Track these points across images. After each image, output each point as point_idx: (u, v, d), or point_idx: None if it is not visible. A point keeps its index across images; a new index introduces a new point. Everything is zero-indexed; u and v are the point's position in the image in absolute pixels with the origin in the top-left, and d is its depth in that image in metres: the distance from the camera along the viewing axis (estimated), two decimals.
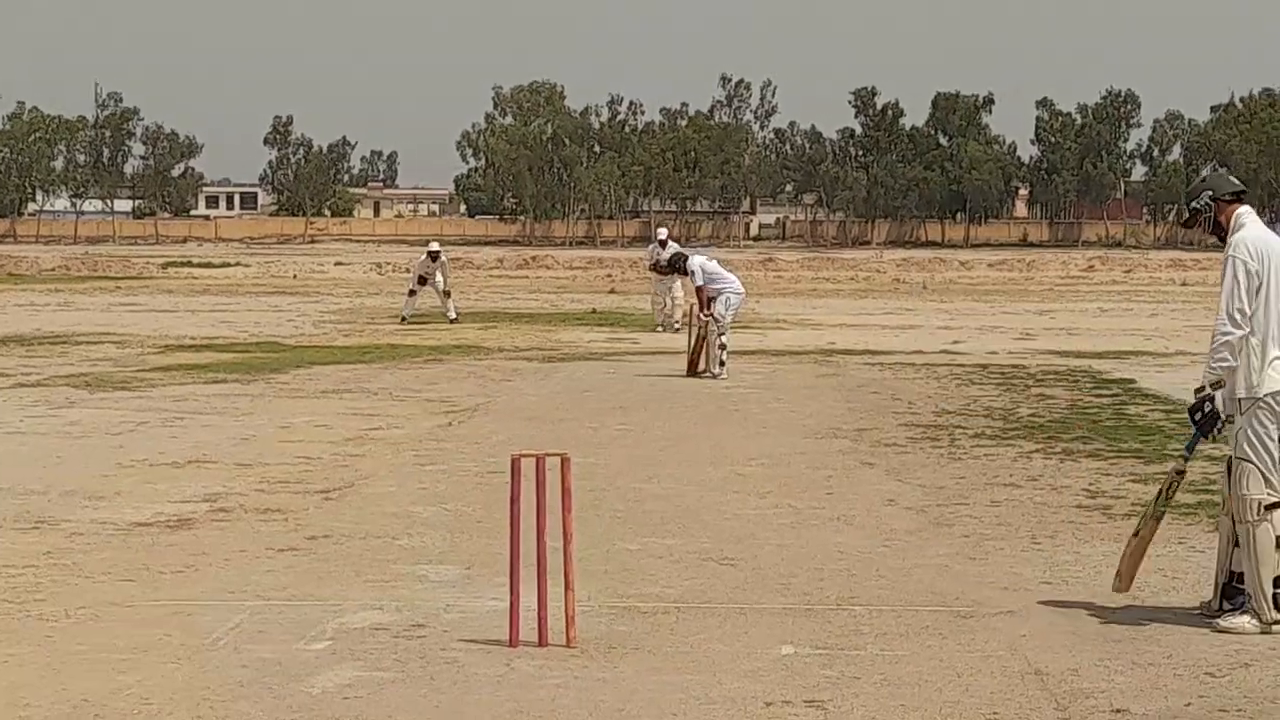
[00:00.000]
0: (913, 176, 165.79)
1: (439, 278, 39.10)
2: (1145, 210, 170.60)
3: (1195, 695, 7.65)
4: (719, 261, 26.85)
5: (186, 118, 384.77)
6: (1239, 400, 9.04)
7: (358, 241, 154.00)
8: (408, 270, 50.67)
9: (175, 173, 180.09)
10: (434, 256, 39.31)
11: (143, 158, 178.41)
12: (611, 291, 58.61)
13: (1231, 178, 9.60)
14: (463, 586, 9.90)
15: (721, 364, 24.18)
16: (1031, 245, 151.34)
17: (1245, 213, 9.33)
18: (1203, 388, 9.13)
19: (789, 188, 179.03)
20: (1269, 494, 8.94)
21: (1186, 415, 9.27)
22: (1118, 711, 7.40)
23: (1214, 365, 9.07)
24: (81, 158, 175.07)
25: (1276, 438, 9.01)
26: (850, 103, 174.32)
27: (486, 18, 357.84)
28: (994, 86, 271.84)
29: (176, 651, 8.32)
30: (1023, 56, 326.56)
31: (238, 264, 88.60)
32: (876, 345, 31.20)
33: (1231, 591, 9.13)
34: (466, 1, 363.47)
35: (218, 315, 41.39)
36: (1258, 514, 8.90)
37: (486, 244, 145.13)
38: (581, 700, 7.53)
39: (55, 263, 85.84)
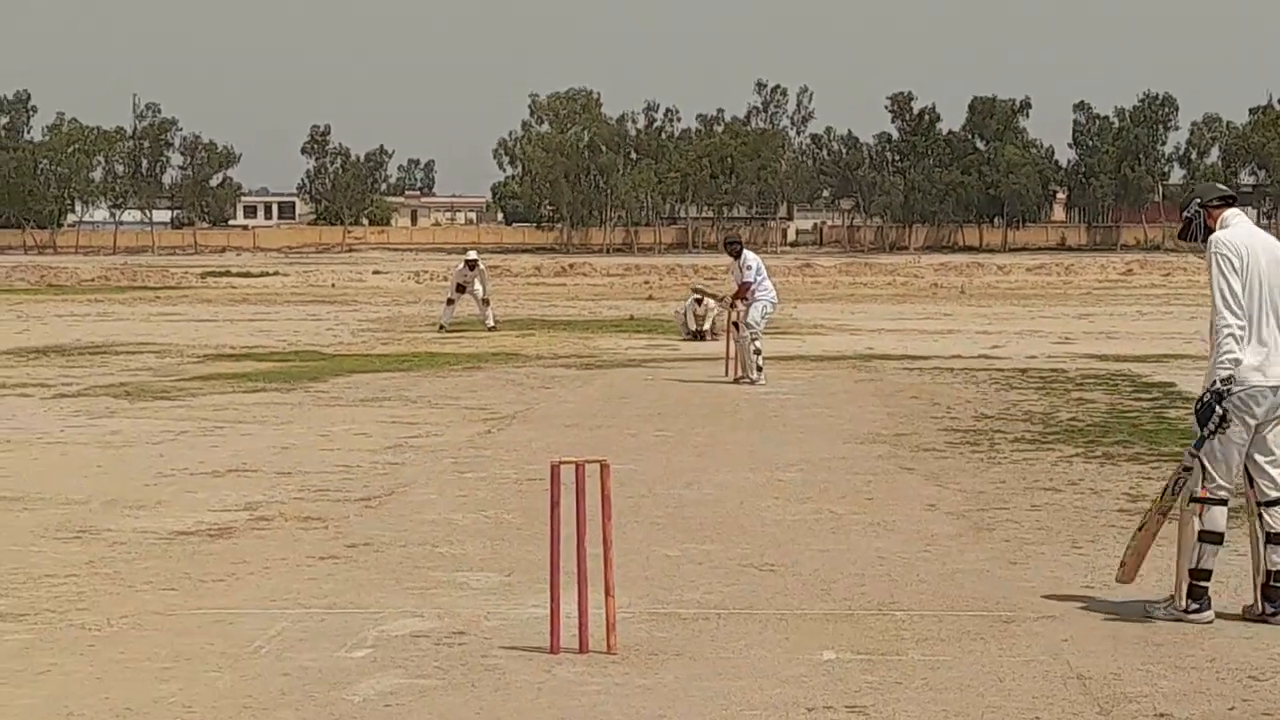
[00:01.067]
0: (950, 181, 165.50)
1: (477, 286, 39.11)
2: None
3: (1239, 699, 7.62)
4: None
5: (224, 127, 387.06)
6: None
7: (395, 250, 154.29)
8: (445, 278, 50.76)
9: (213, 182, 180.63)
10: (471, 265, 39.35)
11: (181, 168, 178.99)
12: (649, 298, 58.62)
13: (1220, 185, 9.74)
14: (503, 593, 9.90)
15: (759, 369, 24.16)
16: (1069, 249, 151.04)
17: (1232, 214, 9.47)
18: (1214, 383, 9.13)
19: (826, 193, 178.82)
20: (1204, 488, 9.13)
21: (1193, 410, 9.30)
22: (1161, 716, 7.37)
23: (1222, 359, 9.09)
24: (120, 168, 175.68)
25: (1240, 437, 9.12)
26: (887, 108, 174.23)
27: (523, 26, 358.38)
28: (1031, 90, 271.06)
29: (218, 660, 8.34)
30: (1060, 60, 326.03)
31: (276, 273, 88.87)
32: (915, 350, 31.16)
33: (1272, 593, 9.16)
34: (503, 10, 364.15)
35: (256, 324, 41.51)
36: (1185, 504, 9.21)
37: (524, 251, 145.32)
38: (623, 707, 7.53)
39: (94, 273, 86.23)
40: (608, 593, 8.49)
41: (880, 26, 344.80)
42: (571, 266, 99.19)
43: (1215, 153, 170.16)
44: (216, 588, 10.11)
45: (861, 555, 11.03)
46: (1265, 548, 9.21)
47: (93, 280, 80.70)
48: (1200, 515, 9.17)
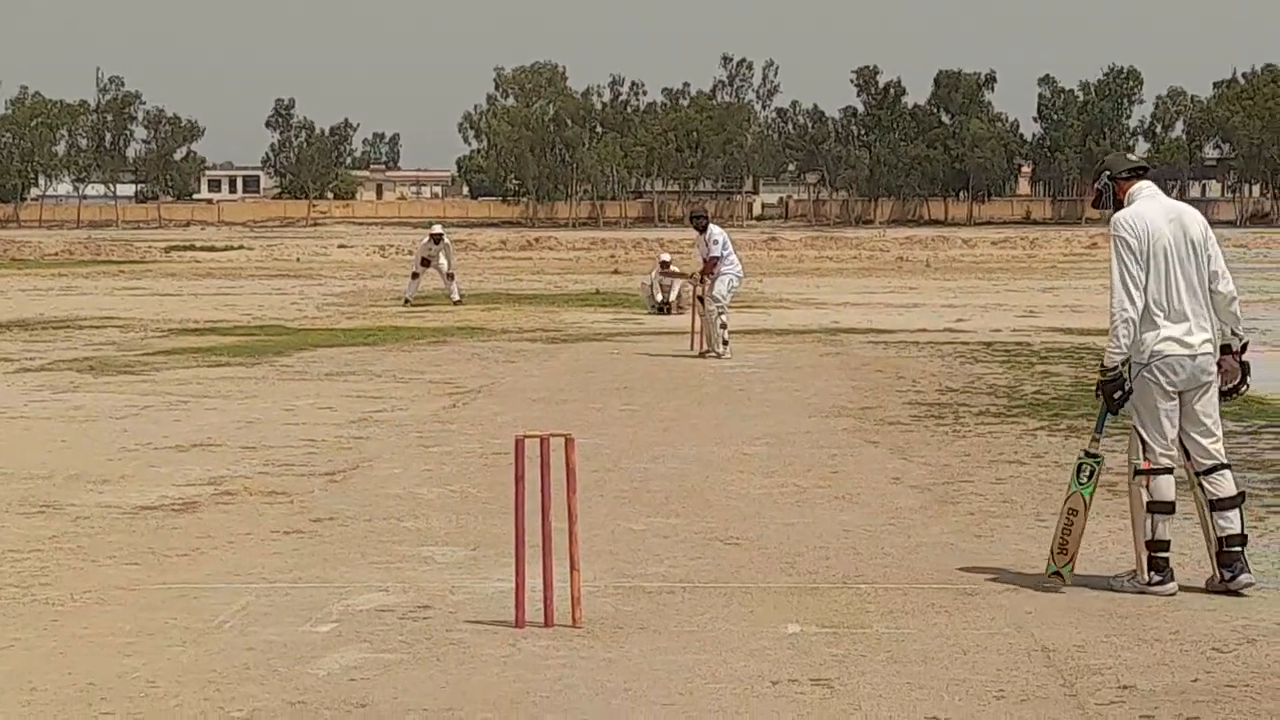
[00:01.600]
0: (915, 155, 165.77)
1: (442, 260, 39.07)
2: None
3: (1202, 671, 7.65)
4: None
5: (188, 101, 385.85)
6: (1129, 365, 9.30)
7: (360, 224, 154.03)
8: (410, 253, 50.70)
9: (178, 156, 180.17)
10: (436, 239, 39.29)
11: (145, 141, 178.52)
12: (615, 272, 58.60)
13: (1130, 155, 9.70)
14: (468, 568, 9.89)
15: (725, 343, 24.17)
16: (1034, 223, 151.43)
17: (1142, 188, 9.47)
18: (1115, 367, 9.27)
19: (792, 167, 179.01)
20: (1145, 460, 9.28)
21: (1095, 392, 9.45)
22: (1124, 688, 7.39)
23: (1119, 344, 9.20)
24: (84, 142, 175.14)
25: (1165, 404, 9.24)
26: (852, 81, 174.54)
27: None
28: (996, 64, 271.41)
29: (182, 634, 8.31)
30: (1025, 34, 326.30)
31: (241, 247, 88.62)
32: (880, 324, 31.20)
33: (1227, 558, 9.20)
34: None
35: (221, 299, 41.40)
36: (1132, 478, 9.35)
37: (489, 225, 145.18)
38: (588, 680, 7.53)
39: (58, 247, 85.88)
40: (573, 567, 8.48)
41: (846, 0, 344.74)
42: (537, 240, 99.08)
43: (1180, 126, 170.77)
44: (180, 562, 10.09)
45: (826, 529, 11.04)
46: (1211, 515, 9.29)
47: (56, 254, 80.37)
48: (1147, 487, 9.28)
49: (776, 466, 13.74)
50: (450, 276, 39.09)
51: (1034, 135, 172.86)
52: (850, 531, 10.95)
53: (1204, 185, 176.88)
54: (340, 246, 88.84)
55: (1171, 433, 9.27)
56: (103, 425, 16.50)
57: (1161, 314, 9.18)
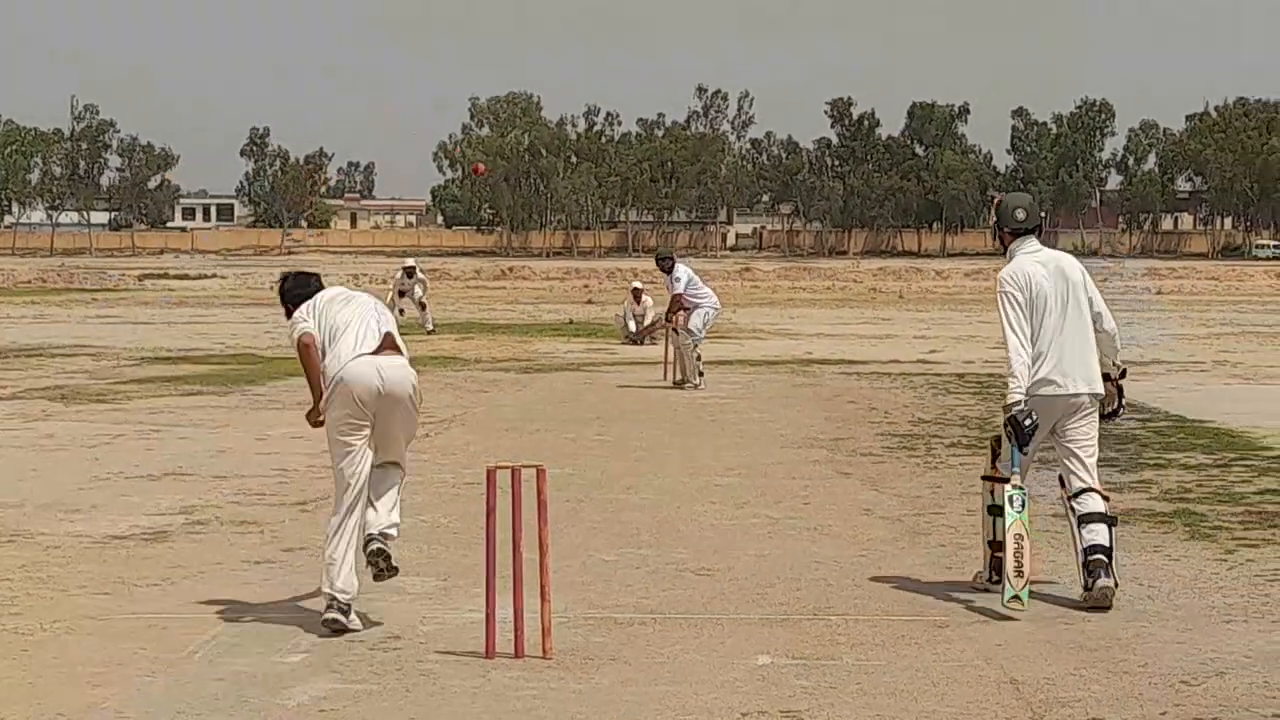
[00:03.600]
0: (889, 186, 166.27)
1: (417, 291, 39.37)
2: (1121, 219, 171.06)
3: (1171, 704, 7.66)
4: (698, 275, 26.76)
5: (163, 130, 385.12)
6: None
7: (335, 253, 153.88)
8: (385, 281, 50.72)
9: (152, 184, 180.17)
10: (409, 273, 39.71)
11: (119, 170, 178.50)
12: (589, 302, 58.64)
13: (1019, 212, 10.21)
14: (439, 598, 9.88)
15: (700, 374, 24.20)
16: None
17: (1018, 245, 10.14)
18: (1016, 402, 9.86)
19: (766, 198, 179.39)
20: (995, 468, 10.16)
21: (1006, 428, 9.94)
22: None
23: (1018, 382, 9.86)
24: (58, 170, 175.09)
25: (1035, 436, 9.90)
26: (826, 113, 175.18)
27: (463, 29, 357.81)
28: (969, 96, 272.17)
29: (152, 665, 8.30)
30: (998, 67, 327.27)
31: (214, 275, 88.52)
32: (853, 355, 31.25)
33: (1092, 565, 9.68)
34: (442, 13, 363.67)
35: (194, 327, 41.36)
36: (981, 484, 10.35)
37: (463, 255, 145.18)
38: (558, 711, 7.53)
39: (31, 275, 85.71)
40: (543, 597, 8.48)
41: (821, 32, 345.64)
42: (511, 270, 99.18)
43: (1152, 159, 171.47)
44: (151, 592, 10.07)
45: (797, 560, 11.05)
46: (1079, 529, 9.84)
47: (29, 282, 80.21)
48: (991, 491, 10.08)
49: (748, 497, 13.75)
50: (423, 306, 39.29)
51: (1007, 167, 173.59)
52: (821, 563, 10.96)
53: (1176, 218, 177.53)
54: None
55: (1024, 459, 9.97)
56: (74, 454, 16.46)
57: (1050, 354, 9.92)
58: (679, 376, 24.51)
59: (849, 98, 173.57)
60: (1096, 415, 10.10)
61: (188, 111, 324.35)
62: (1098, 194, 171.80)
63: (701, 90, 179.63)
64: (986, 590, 9.86)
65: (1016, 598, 9.46)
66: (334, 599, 8.97)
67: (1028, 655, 8.52)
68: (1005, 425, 9.89)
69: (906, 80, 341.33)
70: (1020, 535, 9.68)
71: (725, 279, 72.82)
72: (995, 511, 9.99)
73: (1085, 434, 10.01)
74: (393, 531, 9.33)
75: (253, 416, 20.03)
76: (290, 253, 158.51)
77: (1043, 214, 10.47)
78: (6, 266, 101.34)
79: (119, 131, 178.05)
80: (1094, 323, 10.12)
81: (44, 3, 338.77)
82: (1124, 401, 10.55)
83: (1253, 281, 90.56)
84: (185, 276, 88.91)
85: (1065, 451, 10.01)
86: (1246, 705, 7.65)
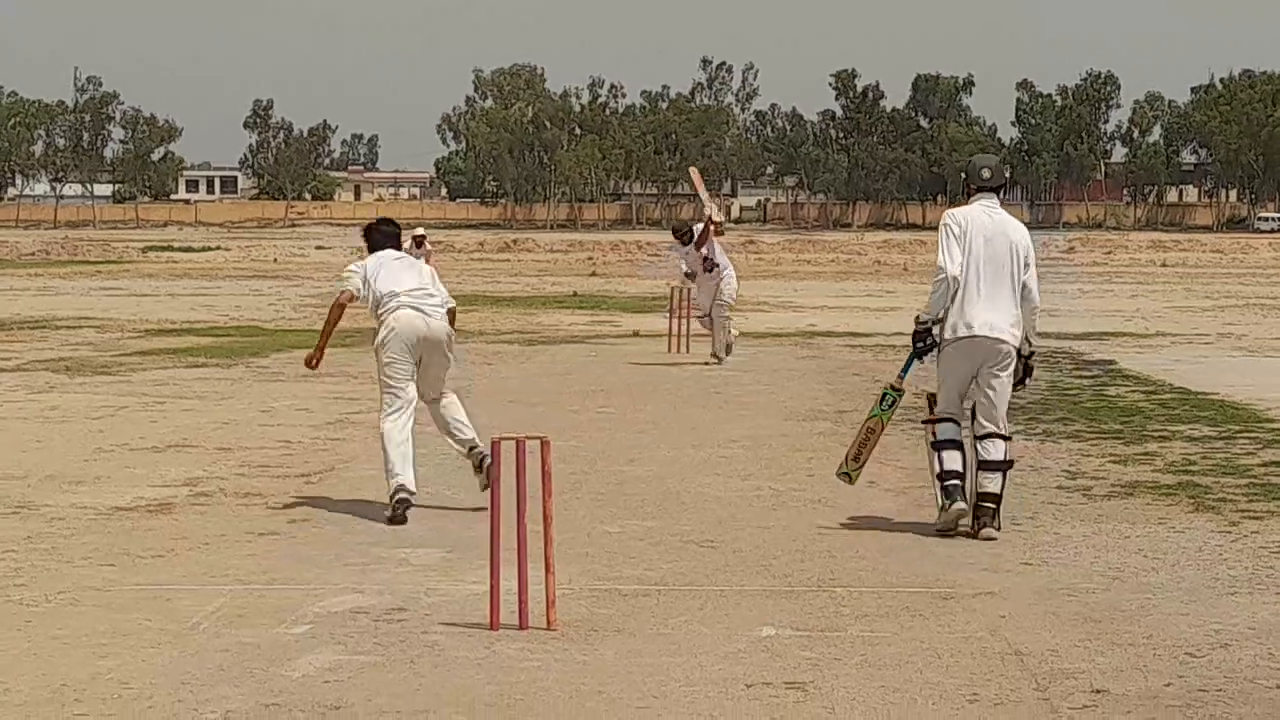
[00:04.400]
0: (893, 158, 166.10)
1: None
2: (1126, 191, 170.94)
3: (1175, 675, 7.66)
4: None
5: (166, 102, 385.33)
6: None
7: (338, 225, 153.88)
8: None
9: (155, 157, 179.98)
10: (419, 242, 38.79)
11: (122, 142, 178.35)
12: (593, 274, 58.61)
13: (984, 170, 11.24)
14: (443, 570, 9.89)
15: (729, 349, 23.71)
16: None
17: (978, 198, 11.10)
18: (925, 322, 11.07)
19: (770, 170, 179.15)
20: (932, 412, 11.20)
21: (910, 340, 11.28)
22: (1097, 692, 7.41)
23: (934, 303, 10.96)
24: (61, 142, 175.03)
25: (960, 371, 11.01)
26: (831, 85, 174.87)
27: (467, 1, 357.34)
28: (974, 68, 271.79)
29: (156, 636, 8.30)
30: (1003, 38, 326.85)
31: (218, 248, 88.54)
32: (857, 327, 31.24)
33: (980, 511, 10.80)
34: None
35: (198, 299, 41.35)
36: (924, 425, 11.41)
37: (467, 227, 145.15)
38: (562, 682, 7.53)
39: (35, 247, 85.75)
40: (548, 569, 8.48)
41: (825, 3, 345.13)
42: (515, 242, 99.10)
43: (1157, 131, 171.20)
44: (155, 563, 10.08)
45: (801, 532, 11.05)
46: (978, 473, 10.89)
47: (33, 254, 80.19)
48: (934, 430, 11.10)
49: (752, 469, 13.75)
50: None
51: (1012, 139, 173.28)
52: (825, 535, 10.96)
53: (1181, 190, 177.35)
54: (318, 248, 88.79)
55: (957, 394, 11.06)
56: (78, 426, 16.46)
57: (969, 297, 10.84)
58: (715, 349, 23.85)
59: (853, 70, 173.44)
60: (1013, 366, 10.96)
61: (191, 83, 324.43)
62: (1103, 166, 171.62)
63: (706, 62, 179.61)
64: (975, 536, 10.76)
65: (846, 475, 11.43)
66: (402, 488, 11.44)
67: (1032, 627, 8.52)
68: (914, 336, 11.24)
69: (911, 52, 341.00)
70: (873, 430, 11.34)
71: (729, 251, 72.67)
72: (935, 448, 11.04)
73: (1001, 381, 10.92)
74: (478, 443, 11.81)
75: (257, 389, 20.03)
76: (294, 225, 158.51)
77: (1007, 177, 11.54)
78: (10, 239, 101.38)
79: (122, 103, 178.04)
80: (1022, 291, 11.00)
81: None
82: (1028, 378, 11.41)
83: (1257, 254, 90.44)
84: (190, 249, 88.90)
85: (981, 393, 10.97)
86: (1250, 677, 7.65)
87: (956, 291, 10.85)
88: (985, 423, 10.93)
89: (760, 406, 18.35)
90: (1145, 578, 9.66)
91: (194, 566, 9.98)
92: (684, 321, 25.19)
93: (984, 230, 10.90)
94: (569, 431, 15.65)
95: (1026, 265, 11.00)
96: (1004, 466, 10.88)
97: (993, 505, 10.76)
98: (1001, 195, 11.26)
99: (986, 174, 11.21)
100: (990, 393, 10.92)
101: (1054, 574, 9.74)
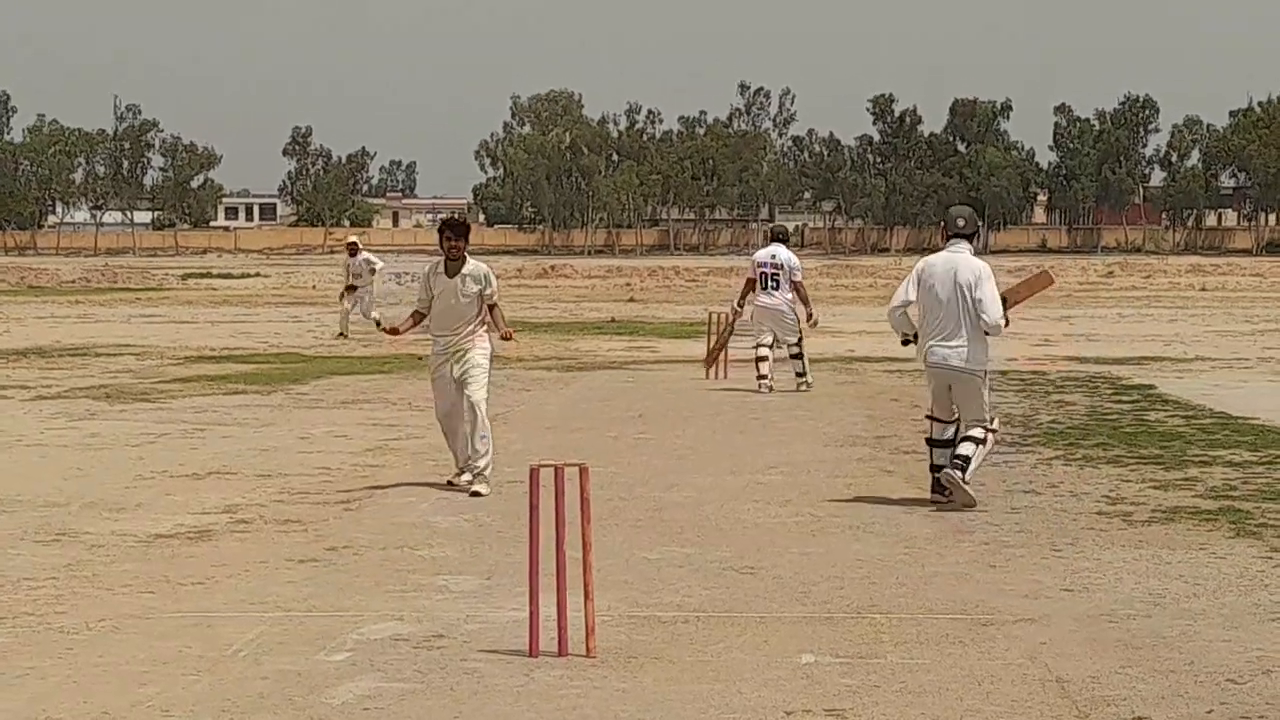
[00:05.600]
0: (931, 183, 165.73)
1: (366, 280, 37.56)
2: (1164, 216, 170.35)
3: (1217, 702, 7.63)
4: None
5: (205, 129, 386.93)
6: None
7: (377, 251, 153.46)
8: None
9: (194, 184, 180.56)
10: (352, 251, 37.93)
11: (162, 169, 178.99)
12: (631, 300, 58.64)
13: (959, 220, 13.47)
14: (482, 597, 9.89)
15: (801, 375, 23.63)
16: (1050, 251, 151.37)
17: (950, 244, 13.35)
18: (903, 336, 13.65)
19: (807, 195, 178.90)
20: (927, 414, 13.66)
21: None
22: (1139, 719, 7.38)
23: (893, 327, 13.76)
24: (101, 170, 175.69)
25: (936, 386, 13.41)
26: (868, 110, 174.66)
27: (505, 27, 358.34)
28: (1011, 93, 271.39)
29: (196, 663, 8.32)
30: (1040, 63, 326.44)
31: (257, 275, 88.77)
32: (896, 352, 31.10)
33: (951, 465, 13.06)
34: (485, 11, 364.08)
35: (237, 326, 41.46)
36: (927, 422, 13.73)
37: (505, 253, 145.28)
38: (602, 710, 7.53)
39: (75, 274, 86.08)
40: (587, 596, 8.48)
41: (862, 29, 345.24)
42: (553, 268, 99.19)
43: (1195, 155, 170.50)
44: (195, 591, 10.10)
45: (841, 558, 11.03)
46: (953, 452, 13.13)
47: (73, 281, 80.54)
48: (929, 428, 13.51)
49: (791, 495, 13.74)
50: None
51: (1050, 164, 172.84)
52: (864, 561, 10.95)
53: (1220, 214, 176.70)
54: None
55: (937, 402, 13.41)
56: (118, 453, 16.52)
57: (930, 329, 13.21)
58: (801, 378, 23.79)
59: (891, 94, 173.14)
60: (974, 381, 13.16)
61: (230, 111, 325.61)
62: (1141, 190, 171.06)
63: (743, 87, 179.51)
64: (938, 503, 13.02)
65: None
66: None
67: (1072, 653, 8.49)
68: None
69: (948, 77, 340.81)
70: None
71: None
72: (927, 443, 13.60)
73: (964, 393, 13.22)
74: (480, 463, 13.98)
75: (296, 415, 20.07)
76: (333, 251, 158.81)
77: (978, 225, 13.70)
78: (51, 266, 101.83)
79: (162, 131, 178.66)
80: (977, 313, 13.04)
81: (86, 4, 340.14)
82: None
83: None
84: (228, 275, 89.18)
85: (955, 403, 13.30)
86: None
87: (919, 321, 13.38)
88: (964, 427, 13.28)
89: (799, 432, 18.33)
90: (1186, 604, 9.63)
91: (234, 594, 10.00)
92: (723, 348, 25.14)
93: (937, 274, 13.18)
94: (607, 457, 15.65)
95: (978, 298, 13.02)
96: (976, 440, 13.13)
97: (960, 462, 12.98)
98: (974, 241, 13.43)
99: (961, 223, 13.42)
100: (960, 402, 13.29)
101: (1095, 600, 9.71)
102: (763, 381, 23.14)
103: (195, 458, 16.10)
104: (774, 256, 23.81)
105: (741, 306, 24.25)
